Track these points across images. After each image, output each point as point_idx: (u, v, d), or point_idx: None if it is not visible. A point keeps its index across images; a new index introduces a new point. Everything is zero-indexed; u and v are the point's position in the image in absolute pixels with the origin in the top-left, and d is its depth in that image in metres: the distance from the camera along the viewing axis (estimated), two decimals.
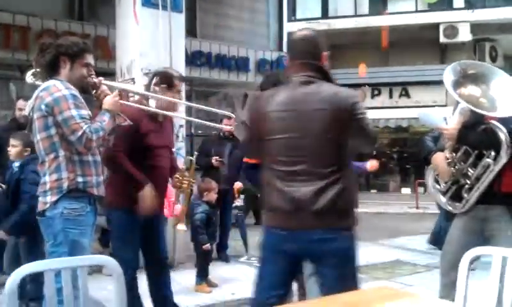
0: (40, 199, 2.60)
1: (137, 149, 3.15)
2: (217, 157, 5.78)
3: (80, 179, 2.58)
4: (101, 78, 2.79)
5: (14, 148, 3.83)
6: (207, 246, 4.77)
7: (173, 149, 3.49)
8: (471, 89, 2.93)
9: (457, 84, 2.93)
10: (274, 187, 2.17)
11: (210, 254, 4.95)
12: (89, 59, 2.72)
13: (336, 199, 2.10)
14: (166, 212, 5.02)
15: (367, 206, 11.25)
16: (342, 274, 2.13)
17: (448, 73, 2.93)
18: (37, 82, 2.72)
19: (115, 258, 3.28)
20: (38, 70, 2.73)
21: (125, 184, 3.17)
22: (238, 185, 5.70)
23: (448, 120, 3.01)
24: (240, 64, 10.85)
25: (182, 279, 5.04)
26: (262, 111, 2.23)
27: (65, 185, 2.54)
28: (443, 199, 3.07)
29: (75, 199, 2.56)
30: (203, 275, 4.80)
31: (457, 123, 2.89)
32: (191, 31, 10.24)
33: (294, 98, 2.18)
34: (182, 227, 3.59)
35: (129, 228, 3.24)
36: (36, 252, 3.80)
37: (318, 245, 2.10)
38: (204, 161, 5.87)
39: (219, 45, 10.66)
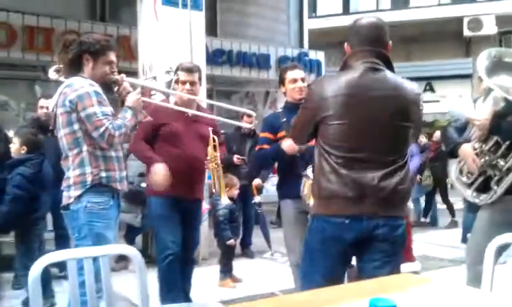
0: (64, 193, 2.63)
1: (160, 138, 3.35)
2: (238, 156, 5.79)
3: (103, 174, 2.61)
4: (123, 75, 2.82)
5: (13, 145, 3.99)
6: (231, 242, 4.79)
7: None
8: (504, 78, 2.83)
9: (490, 71, 2.84)
10: (334, 173, 2.10)
11: (233, 249, 4.96)
12: (112, 56, 2.74)
13: (399, 187, 2.09)
14: None
15: None
16: (395, 262, 2.15)
17: (482, 59, 2.84)
18: (60, 78, 2.75)
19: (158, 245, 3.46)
20: (61, 65, 2.76)
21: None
22: (257, 182, 5.70)
23: (478, 108, 2.93)
24: (261, 62, 10.83)
25: (205, 275, 5.06)
26: (324, 95, 2.15)
27: (89, 179, 2.57)
28: (468, 192, 2.99)
29: (99, 193, 2.58)
30: (227, 271, 4.81)
31: (489, 113, 2.81)
32: (211, 30, 10.28)
33: (362, 83, 2.13)
34: (226, 200, 3.66)
35: (164, 213, 3.39)
36: (28, 250, 3.93)
37: (380, 232, 2.07)
38: (225, 158, 5.88)
39: (240, 43, 10.66)
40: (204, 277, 4.93)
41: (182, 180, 3.31)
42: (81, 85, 2.58)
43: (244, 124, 5.32)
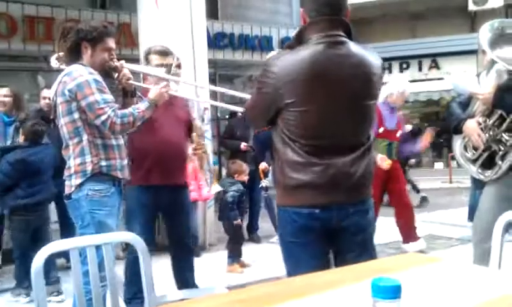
0: (66, 182, 2.63)
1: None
2: (245, 143, 5.76)
3: (103, 163, 2.60)
4: (122, 61, 2.79)
5: (21, 137, 4.15)
6: (238, 221, 4.80)
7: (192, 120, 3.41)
8: (507, 50, 2.77)
9: (493, 44, 2.77)
10: (301, 162, 1.93)
11: (241, 232, 4.97)
12: (110, 43, 2.72)
13: (368, 170, 1.99)
14: (194, 195, 5.08)
15: None
16: (369, 245, 2.07)
17: (484, 31, 2.78)
18: (61, 66, 2.74)
19: None
20: (61, 54, 2.74)
21: (135, 161, 3.12)
22: (263, 165, 5.68)
23: (481, 82, 2.88)
24: (264, 44, 10.73)
25: (213, 261, 5.09)
26: (283, 78, 1.90)
27: (89, 168, 2.57)
28: (473, 168, 2.96)
29: (100, 181, 2.58)
30: (235, 256, 4.83)
31: (493, 86, 2.76)
32: (212, 13, 10.18)
33: (325, 63, 1.89)
34: (216, 188, 3.47)
35: (136, 205, 3.23)
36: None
37: (351, 223, 1.97)
38: (232, 145, 5.85)
39: (242, 26, 10.56)
40: (212, 263, 4.96)
41: (161, 168, 3.21)
42: (80, 73, 2.56)
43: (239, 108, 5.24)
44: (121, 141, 2.74)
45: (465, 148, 3.01)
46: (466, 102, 3.04)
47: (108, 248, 1.73)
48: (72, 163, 2.59)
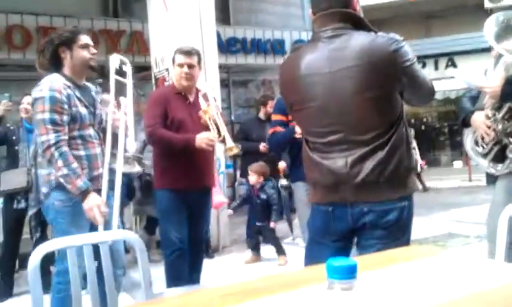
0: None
1: (168, 127, 3.23)
2: (264, 144, 5.73)
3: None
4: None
5: None
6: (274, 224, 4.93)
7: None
8: None
9: (499, 37, 2.73)
10: (311, 160, 1.94)
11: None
12: (85, 39, 2.70)
13: (380, 168, 1.80)
14: None
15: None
16: (391, 244, 1.82)
17: (490, 25, 2.73)
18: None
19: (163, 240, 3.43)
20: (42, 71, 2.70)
21: (166, 164, 3.28)
22: (282, 165, 5.64)
23: (489, 75, 2.83)
24: (276, 47, 10.73)
25: (226, 263, 5.07)
26: (286, 78, 1.99)
27: (53, 180, 2.57)
28: (484, 162, 2.90)
29: (64, 191, 2.55)
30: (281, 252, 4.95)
31: (500, 79, 2.71)
32: (224, 18, 10.23)
33: (320, 58, 1.85)
34: (235, 150, 3.28)
35: (170, 207, 3.29)
36: None
37: (367, 220, 1.84)
38: (251, 146, 5.79)
39: (254, 30, 10.58)
40: (225, 265, 4.94)
41: (190, 170, 3.25)
42: (43, 87, 2.55)
43: None
44: (94, 151, 2.69)
45: (476, 142, 2.95)
46: (476, 96, 2.99)
47: (105, 247, 1.72)
48: (43, 172, 2.62)
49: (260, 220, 4.99)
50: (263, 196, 4.95)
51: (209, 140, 3.12)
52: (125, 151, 2.88)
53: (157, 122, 3.19)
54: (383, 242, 1.83)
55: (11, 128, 4.42)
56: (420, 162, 10.13)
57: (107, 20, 9.08)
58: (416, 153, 10.27)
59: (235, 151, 3.18)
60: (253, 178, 5.02)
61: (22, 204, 4.24)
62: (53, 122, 2.50)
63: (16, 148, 4.31)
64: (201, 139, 3.12)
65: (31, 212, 4.07)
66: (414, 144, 10.46)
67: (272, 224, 4.93)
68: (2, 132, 4.38)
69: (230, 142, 3.12)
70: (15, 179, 4.16)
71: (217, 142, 3.19)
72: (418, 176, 10.16)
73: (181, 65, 3.30)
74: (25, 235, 4.52)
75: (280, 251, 5.00)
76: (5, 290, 4.30)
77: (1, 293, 4.27)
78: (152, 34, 6.26)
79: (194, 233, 3.43)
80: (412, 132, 10.82)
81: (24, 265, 4.63)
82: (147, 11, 6.28)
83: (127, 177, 5.27)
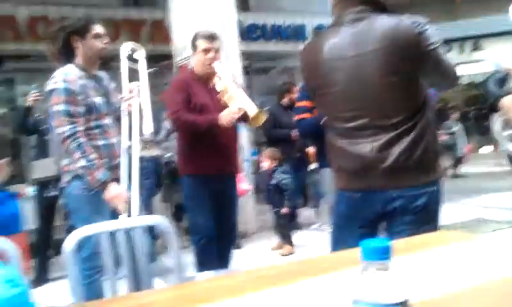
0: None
1: (191, 111, 3.19)
2: (295, 130, 5.67)
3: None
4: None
5: None
6: (286, 210, 4.87)
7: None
8: None
9: None
10: (336, 146, 1.93)
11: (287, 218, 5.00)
12: (98, 28, 2.69)
13: (408, 153, 1.79)
14: None
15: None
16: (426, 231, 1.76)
17: None
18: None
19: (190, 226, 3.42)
20: (55, 62, 2.68)
21: (191, 150, 3.27)
22: (311, 150, 5.60)
23: None
24: (297, 33, 10.62)
25: (253, 249, 5.10)
26: (312, 63, 1.96)
27: (72, 170, 2.59)
28: (510, 146, 2.84)
29: (84, 180, 2.56)
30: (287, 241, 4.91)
31: None
32: (244, 5, 10.16)
33: (343, 42, 1.83)
34: (262, 116, 3.18)
35: (198, 195, 3.29)
36: None
37: (396, 205, 1.82)
38: (281, 134, 5.75)
39: (274, 16, 10.50)
40: (251, 251, 4.96)
41: (214, 156, 3.24)
42: (57, 79, 2.55)
43: None
44: (113, 140, 2.69)
45: (505, 125, 2.90)
46: (504, 79, 2.92)
47: (137, 231, 1.74)
48: (64, 162, 2.64)
49: (276, 206, 4.95)
50: (273, 182, 4.91)
51: (233, 114, 3.07)
52: (141, 135, 2.87)
53: (181, 108, 3.17)
54: (412, 227, 1.80)
55: (40, 117, 4.48)
56: (464, 147, 9.84)
57: (129, 9, 9.12)
58: (460, 137, 9.99)
59: (263, 117, 3.07)
60: (265, 164, 5.00)
61: (53, 192, 4.32)
62: (68, 114, 2.50)
63: (45, 137, 4.39)
64: (224, 116, 3.08)
65: (62, 200, 4.15)
66: (458, 127, 10.24)
67: (284, 210, 4.87)
68: (31, 122, 4.47)
69: (253, 109, 3.02)
70: (45, 168, 4.25)
71: (241, 113, 3.07)
72: (459, 161, 9.88)
73: (206, 50, 3.25)
74: (58, 222, 4.63)
75: (286, 240, 4.93)
76: (41, 275, 4.43)
77: (37, 279, 4.39)
78: (173, 22, 6.27)
79: (226, 220, 3.41)
80: (457, 115, 10.61)
81: (58, 251, 4.74)
82: (168, 0, 6.28)
83: (155, 163, 5.33)
